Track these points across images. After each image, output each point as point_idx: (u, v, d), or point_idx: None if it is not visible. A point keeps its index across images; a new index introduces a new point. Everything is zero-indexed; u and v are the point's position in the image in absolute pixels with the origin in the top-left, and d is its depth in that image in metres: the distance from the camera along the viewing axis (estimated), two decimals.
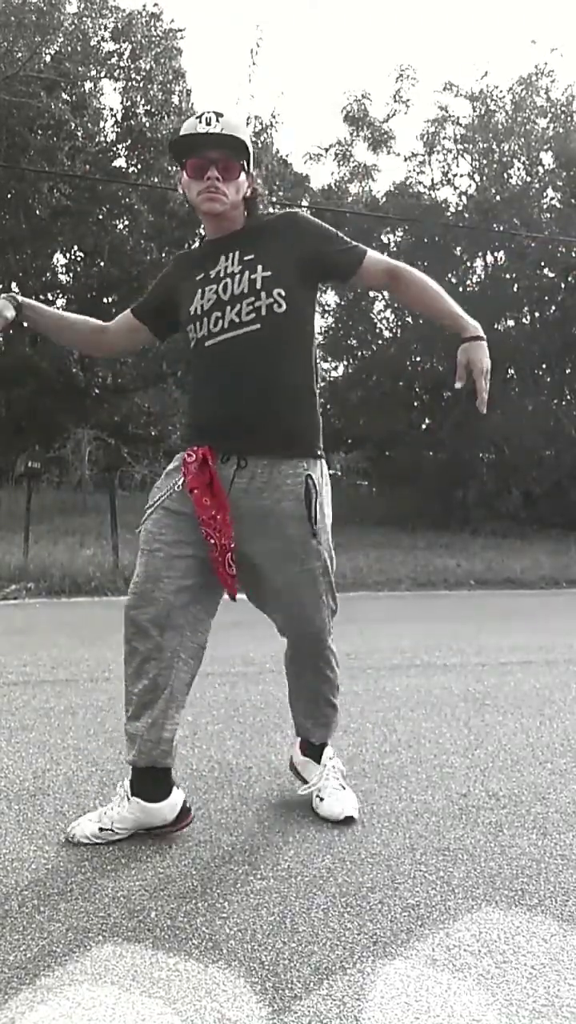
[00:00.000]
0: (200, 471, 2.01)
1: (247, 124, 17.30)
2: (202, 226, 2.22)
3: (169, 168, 19.95)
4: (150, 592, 2.03)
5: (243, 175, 2.09)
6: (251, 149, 2.09)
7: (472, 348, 2.10)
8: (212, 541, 2.02)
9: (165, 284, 2.24)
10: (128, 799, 2.09)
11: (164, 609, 2.03)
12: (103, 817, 2.10)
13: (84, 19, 18.90)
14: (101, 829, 2.08)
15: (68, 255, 20.43)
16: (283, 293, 2.03)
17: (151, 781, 2.08)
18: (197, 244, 2.27)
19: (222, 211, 2.07)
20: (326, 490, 2.15)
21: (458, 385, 2.12)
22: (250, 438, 2.05)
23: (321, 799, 2.29)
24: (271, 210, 2.29)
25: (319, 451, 2.14)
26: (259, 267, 2.04)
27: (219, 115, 2.04)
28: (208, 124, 2.02)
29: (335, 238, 2.17)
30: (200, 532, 2.03)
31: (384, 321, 18.93)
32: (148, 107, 19.71)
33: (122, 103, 20.04)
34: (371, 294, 18.14)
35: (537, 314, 17.28)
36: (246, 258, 2.06)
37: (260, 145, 17.17)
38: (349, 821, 2.21)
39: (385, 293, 18.43)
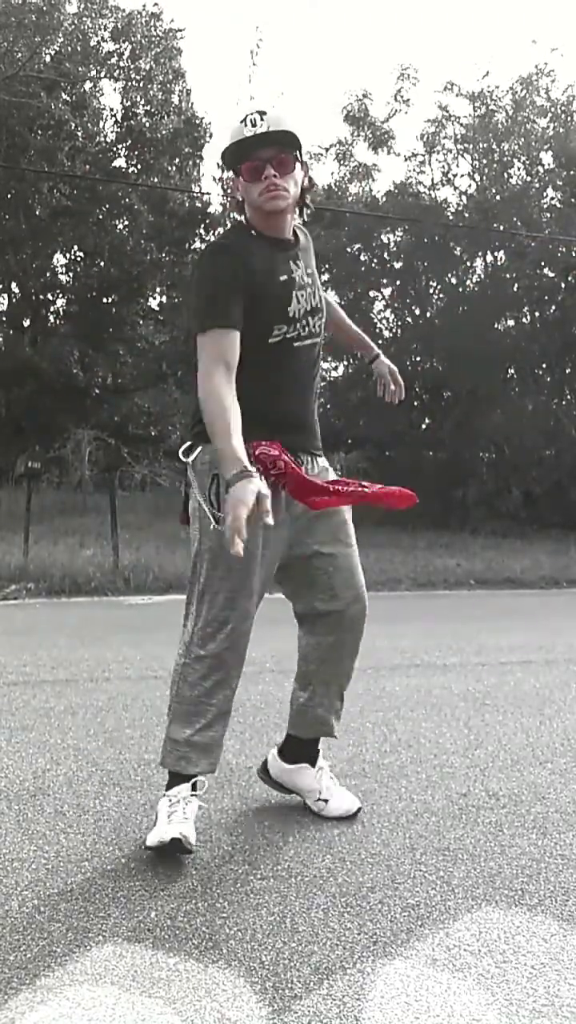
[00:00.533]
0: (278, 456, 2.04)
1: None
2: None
3: (168, 168, 19.98)
4: (244, 631, 2.10)
5: (298, 166, 2.09)
6: (301, 139, 2.09)
7: (385, 362, 2.56)
8: (345, 489, 2.10)
9: (237, 285, 1.99)
10: (191, 799, 2.06)
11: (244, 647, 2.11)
12: (189, 818, 2.03)
13: (84, 19, 18.90)
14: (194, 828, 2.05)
15: (68, 255, 20.43)
16: (323, 320, 2.21)
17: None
18: (237, 231, 2.18)
19: (286, 207, 2.07)
20: None
21: (381, 394, 2.54)
22: (305, 437, 2.18)
23: (326, 801, 2.29)
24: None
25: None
26: (319, 287, 2.20)
27: (263, 114, 2.03)
28: (254, 125, 2.02)
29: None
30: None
31: (384, 321, 18.92)
32: (148, 107, 19.70)
33: (122, 103, 20.03)
34: (371, 293, 18.14)
35: (537, 314, 17.28)
36: (309, 271, 2.17)
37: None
38: (358, 812, 2.29)
39: (385, 292, 18.54)
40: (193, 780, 2.05)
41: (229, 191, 2.17)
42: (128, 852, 2.04)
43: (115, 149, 20.15)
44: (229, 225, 2.38)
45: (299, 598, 2.26)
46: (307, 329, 2.14)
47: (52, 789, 2.46)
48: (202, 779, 2.07)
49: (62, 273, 20.68)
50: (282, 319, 2.08)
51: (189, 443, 2.09)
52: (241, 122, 2.05)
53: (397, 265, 17.85)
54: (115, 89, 20.19)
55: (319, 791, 2.29)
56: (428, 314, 18.03)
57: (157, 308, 21.13)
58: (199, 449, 2.06)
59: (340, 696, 2.31)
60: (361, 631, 2.26)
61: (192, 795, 2.05)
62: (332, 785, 2.33)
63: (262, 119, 2.02)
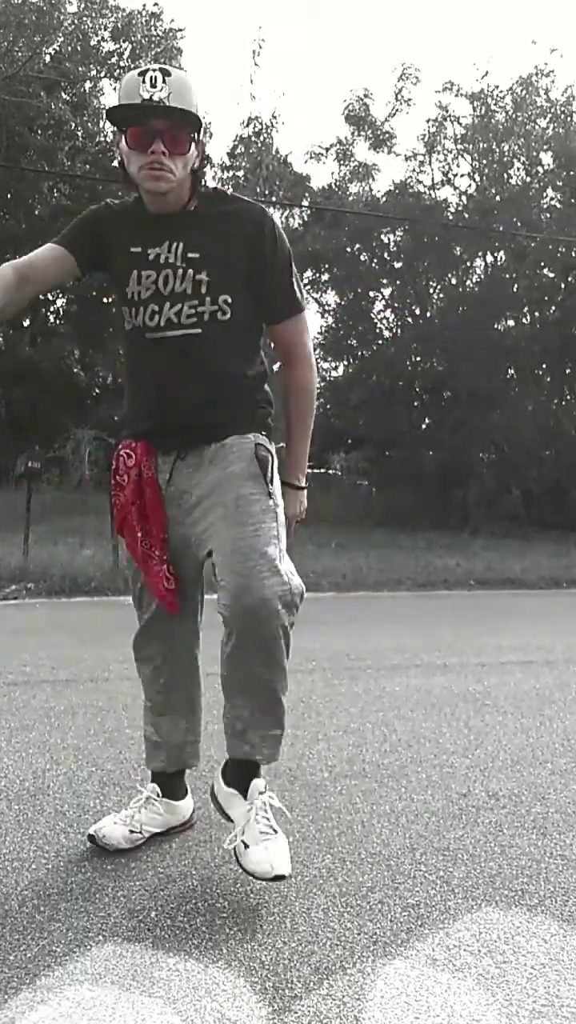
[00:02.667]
0: (136, 483, 1.96)
1: (247, 124, 17.31)
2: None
3: None
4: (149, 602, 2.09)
5: (192, 147, 1.83)
6: (203, 118, 1.84)
7: (300, 497, 2.07)
8: (156, 552, 1.96)
9: (96, 226, 1.96)
10: (155, 800, 2.10)
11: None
12: (130, 821, 2.06)
13: (84, 19, 18.91)
14: (132, 832, 2.05)
15: None
16: (229, 300, 1.87)
17: (178, 781, 2.15)
18: (132, 200, 1.97)
19: (167, 190, 1.83)
20: (276, 463, 1.96)
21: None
22: (188, 437, 1.93)
23: (245, 846, 1.77)
24: (232, 191, 2.04)
25: (268, 428, 1.98)
26: (205, 271, 1.85)
27: (167, 74, 1.76)
28: (153, 86, 1.74)
29: (288, 272, 1.96)
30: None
31: (384, 321, 18.94)
32: None
33: None
34: (371, 293, 18.15)
35: (537, 314, 17.29)
36: (190, 255, 1.85)
37: (261, 145, 17.16)
38: (279, 880, 1.74)
39: (385, 292, 18.53)
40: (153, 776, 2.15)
41: (115, 152, 1.89)
42: (128, 852, 2.04)
43: (115, 149, 20.13)
44: None
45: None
46: (157, 319, 1.87)
47: (52, 789, 2.46)
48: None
49: None
50: (123, 300, 1.91)
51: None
52: (140, 74, 1.77)
53: (397, 265, 17.87)
54: (114, 89, 20.18)
55: (243, 831, 1.80)
56: (428, 314, 18.04)
57: None
58: None
59: (265, 711, 1.85)
60: (268, 630, 1.78)
61: (153, 799, 2.10)
62: (260, 829, 1.79)
63: (164, 81, 1.74)
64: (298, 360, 2.02)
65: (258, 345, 2.02)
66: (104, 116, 19.83)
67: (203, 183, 1.94)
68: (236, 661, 1.83)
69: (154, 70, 1.76)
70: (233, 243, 1.88)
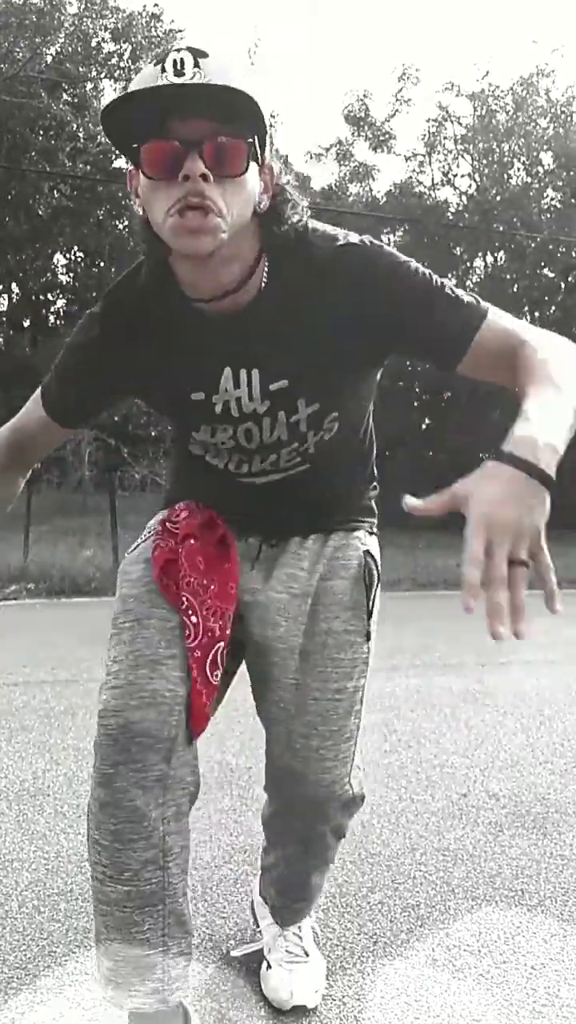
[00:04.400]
0: (206, 523, 1.33)
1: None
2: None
3: None
4: (145, 683, 1.21)
5: (253, 167, 1.06)
6: (263, 110, 1.03)
7: (491, 473, 0.92)
8: (194, 620, 1.25)
9: (90, 373, 1.28)
10: None
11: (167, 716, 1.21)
12: None
13: (84, 20, 18.90)
14: None
15: (68, 256, 20.45)
16: (337, 415, 1.26)
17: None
18: (152, 282, 1.19)
19: (215, 248, 1.05)
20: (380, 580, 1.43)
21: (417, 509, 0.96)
22: (284, 530, 1.39)
23: (269, 967, 1.52)
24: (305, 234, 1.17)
25: (374, 514, 1.48)
26: (301, 400, 1.20)
27: (200, 55, 1.00)
28: (180, 73, 0.99)
29: (432, 292, 1.14)
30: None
31: None
32: None
33: None
34: None
35: (537, 314, 17.29)
36: (272, 387, 1.19)
37: (274, 147, 17.18)
38: (298, 1011, 1.44)
39: None
40: None
41: (132, 197, 1.13)
42: None
43: (115, 150, 20.14)
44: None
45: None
46: (247, 467, 1.30)
47: (52, 789, 2.46)
48: None
49: (62, 273, 20.70)
50: (183, 437, 1.33)
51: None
52: (156, 64, 1.01)
53: None
54: (115, 89, 20.20)
55: (269, 949, 1.56)
56: None
57: None
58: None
59: (299, 889, 1.54)
60: (318, 830, 1.43)
61: None
62: (285, 951, 1.53)
63: (197, 65, 0.99)
64: (530, 350, 1.06)
65: (368, 424, 1.43)
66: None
67: (283, 228, 1.14)
68: (275, 836, 1.53)
69: (178, 51, 1.00)
70: (332, 326, 1.15)
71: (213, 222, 1.02)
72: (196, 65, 0.99)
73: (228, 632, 1.29)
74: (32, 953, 1.60)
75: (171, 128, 1.01)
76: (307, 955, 1.53)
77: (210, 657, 1.25)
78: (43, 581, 7.44)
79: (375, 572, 1.40)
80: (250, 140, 1.04)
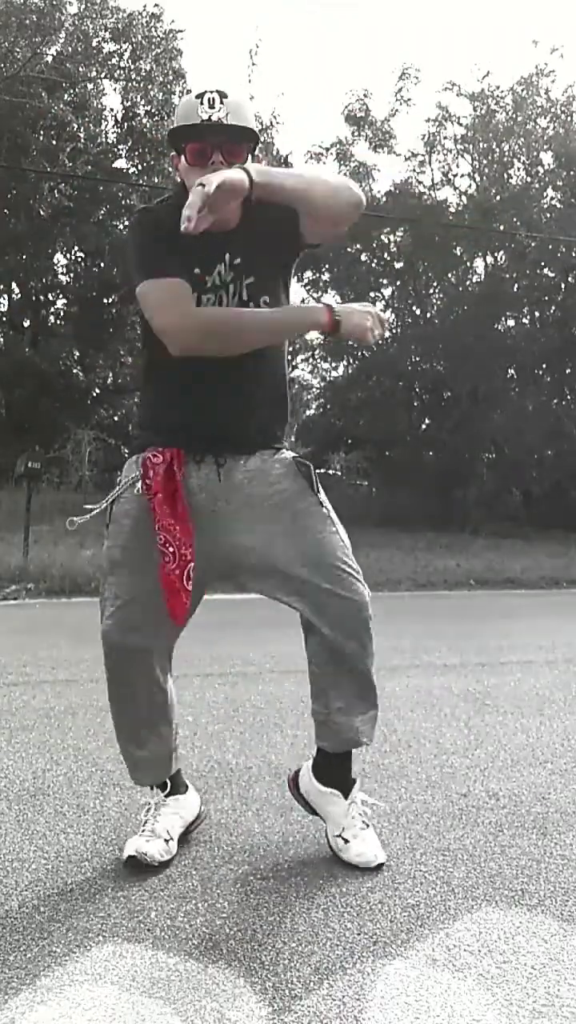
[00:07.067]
0: (167, 477, 1.88)
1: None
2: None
3: (169, 169, 19.96)
4: (136, 615, 1.94)
5: (249, 158, 1.92)
6: (258, 134, 1.94)
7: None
8: (171, 550, 1.86)
9: (166, 246, 1.87)
10: (164, 804, 2.05)
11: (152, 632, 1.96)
12: (155, 831, 1.99)
13: (85, 20, 18.90)
14: (166, 841, 1.98)
15: (69, 256, 20.44)
16: (268, 300, 1.93)
17: (176, 777, 2.12)
18: (178, 199, 1.90)
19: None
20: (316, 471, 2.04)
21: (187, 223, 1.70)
22: (224, 445, 1.95)
23: (346, 841, 1.99)
24: None
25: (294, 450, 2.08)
26: (244, 275, 1.91)
27: (223, 96, 1.85)
28: (212, 107, 1.84)
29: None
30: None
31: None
32: (148, 108, 19.69)
33: (123, 104, 20.04)
34: (371, 293, 18.13)
35: (537, 314, 17.32)
36: (235, 262, 1.91)
37: (261, 145, 17.15)
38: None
39: (385, 292, 18.54)
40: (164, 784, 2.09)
41: (173, 171, 1.99)
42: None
43: (116, 150, 20.15)
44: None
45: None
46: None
47: (52, 789, 2.46)
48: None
49: (62, 273, 20.70)
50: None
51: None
52: (198, 98, 1.87)
53: (397, 265, 17.89)
54: (115, 90, 20.21)
55: (343, 828, 2.00)
56: (428, 314, 18.06)
57: None
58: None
59: (364, 691, 1.97)
60: (362, 622, 1.95)
61: (160, 803, 2.05)
62: (359, 825, 2.01)
63: (222, 101, 1.84)
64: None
65: (285, 360, 2.10)
66: (111, 119, 19.91)
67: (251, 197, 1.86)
68: (331, 655, 1.94)
69: (212, 92, 1.85)
70: (271, 237, 1.91)
71: None
72: (221, 101, 1.84)
73: (193, 552, 1.87)
74: (32, 953, 1.60)
75: (205, 138, 1.87)
76: (367, 826, 2.03)
77: (185, 572, 1.87)
78: (43, 581, 7.44)
79: (308, 465, 1.98)
80: (248, 145, 1.92)
